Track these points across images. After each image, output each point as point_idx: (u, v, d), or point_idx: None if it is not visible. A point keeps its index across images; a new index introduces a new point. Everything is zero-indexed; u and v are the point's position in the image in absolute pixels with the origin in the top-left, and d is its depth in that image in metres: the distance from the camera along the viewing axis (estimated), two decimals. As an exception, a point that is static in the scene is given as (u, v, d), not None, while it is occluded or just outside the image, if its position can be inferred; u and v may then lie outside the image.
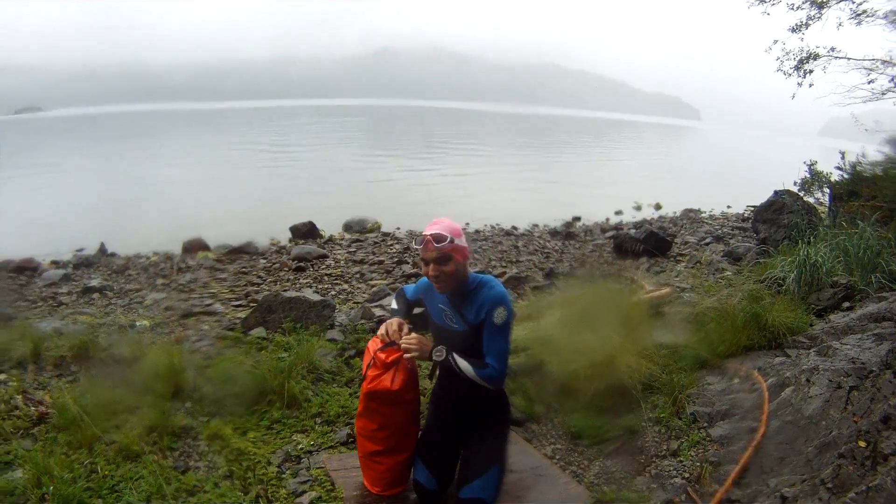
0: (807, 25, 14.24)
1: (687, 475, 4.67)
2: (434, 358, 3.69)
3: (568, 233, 17.49)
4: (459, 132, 77.19)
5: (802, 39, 14.43)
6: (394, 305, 4.22)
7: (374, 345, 3.96)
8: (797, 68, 14.64)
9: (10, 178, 30.74)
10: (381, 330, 3.93)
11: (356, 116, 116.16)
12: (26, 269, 13.48)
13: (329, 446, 5.29)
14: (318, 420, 5.74)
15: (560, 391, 5.91)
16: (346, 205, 21.46)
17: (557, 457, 5.20)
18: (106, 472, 4.71)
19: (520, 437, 5.26)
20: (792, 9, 14.18)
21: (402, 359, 3.78)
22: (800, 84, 14.65)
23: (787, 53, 14.64)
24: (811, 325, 6.74)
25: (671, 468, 4.81)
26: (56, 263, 14.36)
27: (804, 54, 14.54)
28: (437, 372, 4.02)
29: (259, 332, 8.04)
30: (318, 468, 4.90)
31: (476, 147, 54.84)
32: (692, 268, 11.50)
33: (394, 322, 3.95)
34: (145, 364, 6.48)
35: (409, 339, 3.71)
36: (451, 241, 3.52)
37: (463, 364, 3.61)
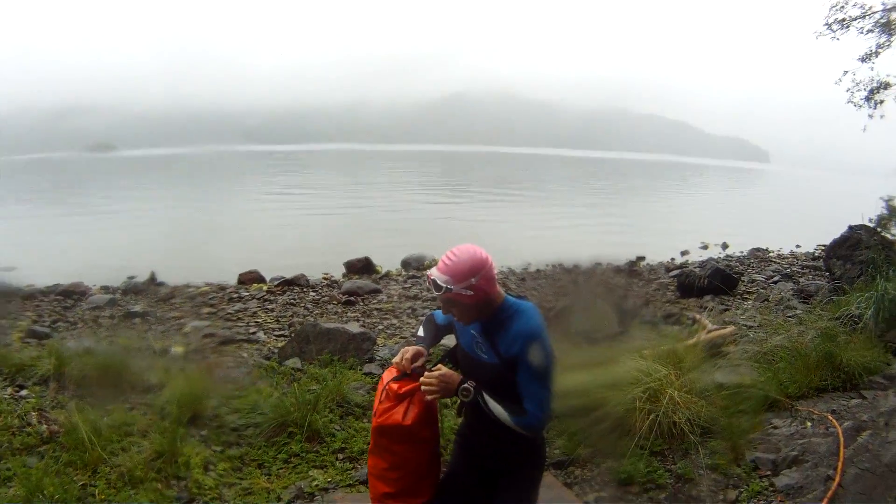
0: (876, 53, 13.71)
1: (746, 530, 4.11)
2: (461, 397, 3.13)
3: (631, 271, 16.92)
4: (528, 176, 77.06)
5: (872, 69, 13.88)
6: (420, 332, 3.65)
7: (389, 374, 3.48)
8: (868, 99, 14.06)
9: (74, 211, 31.40)
10: (397, 357, 3.43)
11: (429, 161, 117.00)
12: (74, 293, 13.63)
13: (347, 484, 4.90)
14: (340, 456, 5.35)
15: (610, 432, 5.35)
16: (408, 243, 21.19)
17: (601, 506, 4.65)
18: (103, 497, 4.50)
19: (558, 482, 4.72)
20: (862, 32, 13.60)
21: (418, 390, 3.29)
22: (871, 116, 14.06)
23: (857, 84, 14.08)
24: (888, 365, 6.27)
25: (729, 521, 4.25)
26: (105, 289, 14.46)
27: (875, 84, 13.96)
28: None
29: (294, 362, 7.72)
30: (331, 507, 4.49)
31: (545, 190, 54.50)
32: (760, 306, 10.83)
33: (409, 349, 3.40)
34: (167, 389, 6.24)
35: (430, 377, 3.14)
36: (448, 290, 2.97)
37: (496, 409, 3.06)
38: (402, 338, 9.89)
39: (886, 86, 13.90)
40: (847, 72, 14.19)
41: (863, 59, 13.88)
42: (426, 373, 3.15)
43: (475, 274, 2.95)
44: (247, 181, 58.21)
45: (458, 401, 3.16)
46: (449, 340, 3.76)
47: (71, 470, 4.81)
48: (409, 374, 3.27)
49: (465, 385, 3.07)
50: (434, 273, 2.99)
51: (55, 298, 13.12)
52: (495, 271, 3.06)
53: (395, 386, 3.29)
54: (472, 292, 2.96)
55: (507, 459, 3.30)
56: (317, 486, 4.84)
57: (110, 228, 26.08)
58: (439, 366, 3.20)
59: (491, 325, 3.11)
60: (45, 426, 5.52)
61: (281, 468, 5.10)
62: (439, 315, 3.54)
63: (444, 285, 2.94)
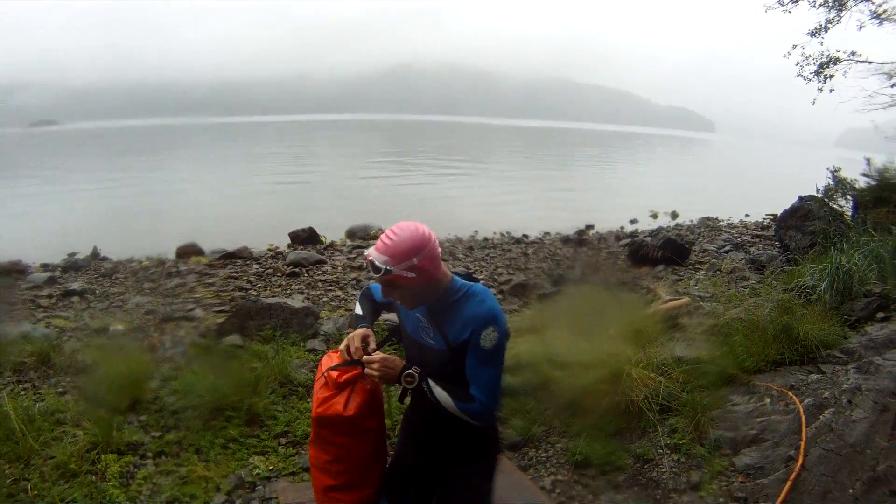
0: (826, 28, 13.73)
1: (709, 513, 3.96)
2: (404, 384, 2.88)
3: (580, 240, 16.81)
4: (475, 145, 76.94)
5: (822, 43, 13.92)
6: (357, 310, 3.32)
7: (328, 360, 3.17)
8: (817, 73, 14.09)
9: (17, 186, 30.55)
10: (343, 345, 3.13)
11: (374, 130, 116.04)
12: (13, 272, 13.06)
13: (290, 472, 4.65)
14: (283, 440, 5.10)
15: (565, 409, 5.16)
16: (353, 213, 20.96)
17: (558, 490, 4.47)
18: (36, 492, 4.25)
19: (514, 466, 4.51)
20: (813, 6, 13.60)
21: (360, 377, 3.02)
22: (820, 90, 14.10)
23: (807, 58, 14.10)
24: (845, 338, 6.09)
25: (691, 505, 4.10)
26: (45, 266, 13.89)
27: (824, 58, 13.99)
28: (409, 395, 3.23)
29: (234, 339, 7.41)
30: (273, 498, 4.22)
31: (492, 159, 54.49)
32: (712, 276, 10.78)
33: (356, 335, 3.09)
34: (105, 372, 5.98)
35: (371, 360, 2.89)
36: (388, 271, 2.68)
37: (441, 394, 2.82)
38: (346, 310, 9.65)
39: (836, 61, 13.93)
40: (796, 46, 14.21)
41: (812, 34, 13.89)
42: (366, 356, 2.88)
43: (417, 253, 2.67)
44: (191, 153, 57.15)
45: (401, 387, 2.89)
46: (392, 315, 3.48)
47: (2, 462, 4.58)
48: (355, 362, 3.00)
49: (409, 371, 2.82)
50: (372, 253, 2.70)
51: (-7, 278, 12.57)
52: (439, 249, 2.78)
53: (334, 373, 3.01)
54: (413, 274, 2.68)
55: (456, 447, 3.04)
56: (258, 474, 4.59)
57: (52, 203, 25.32)
58: (375, 351, 2.95)
59: (438, 308, 2.85)
60: (-25, 416, 5.25)
61: (219, 454, 4.82)
62: (377, 289, 3.25)
63: (383, 266, 2.65)
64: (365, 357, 2.89)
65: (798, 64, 14.22)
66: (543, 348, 5.74)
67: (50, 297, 11.00)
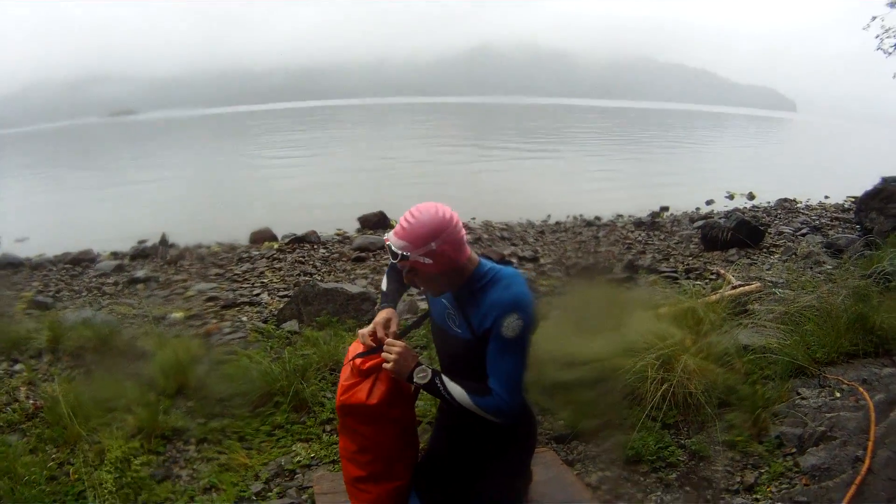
0: None
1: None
2: (416, 380, 2.65)
3: (653, 223, 16.33)
4: (554, 127, 75.73)
5: None
6: (383, 285, 3.15)
7: (357, 346, 3.01)
8: None
9: (94, 176, 31.36)
10: (366, 329, 2.93)
11: (452, 113, 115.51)
12: (83, 261, 13.44)
13: (332, 460, 4.54)
14: (328, 427, 5.01)
15: (622, 401, 4.88)
16: (428, 197, 20.74)
17: (604, 487, 4.22)
18: (76, 476, 4.29)
19: (558, 459, 4.23)
20: None
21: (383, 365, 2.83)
22: None
23: (887, 31, 13.37)
24: None
25: (742, 507, 3.83)
26: (115, 255, 14.19)
27: None
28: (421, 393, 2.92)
29: (291, 325, 7.45)
30: (309, 487, 4.16)
31: (570, 141, 53.54)
32: (787, 260, 10.32)
33: (379, 320, 2.92)
34: (157, 358, 5.95)
35: (391, 346, 2.68)
36: (404, 257, 2.48)
37: (455, 390, 2.58)
38: (409, 295, 9.50)
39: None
40: (875, 17, 13.49)
41: (892, 4, 13.17)
42: (388, 341, 2.70)
43: (436, 237, 2.45)
44: (269, 139, 57.72)
45: (414, 385, 2.68)
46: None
47: (50, 447, 4.65)
48: (377, 349, 2.85)
49: (422, 367, 2.63)
50: (390, 238, 2.51)
51: (63, 267, 12.94)
52: (463, 232, 2.54)
53: (359, 360, 2.86)
54: (431, 260, 2.47)
55: (488, 439, 2.85)
56: (299, 462, 4.52)
57: (125, 193, 25.84)
58: (397, 342, 2.72)
59: (464, 294, 2.63)
60: (31, 402, 5.39)
61: (263, 441, 4.79)
62: None
63: (400, 252, 2.46)
64: (388, 340, 2.71)
65: (878, 37, 13.55)
66: (597, 338, 5.45)
67: (116, 284, 11.25)
